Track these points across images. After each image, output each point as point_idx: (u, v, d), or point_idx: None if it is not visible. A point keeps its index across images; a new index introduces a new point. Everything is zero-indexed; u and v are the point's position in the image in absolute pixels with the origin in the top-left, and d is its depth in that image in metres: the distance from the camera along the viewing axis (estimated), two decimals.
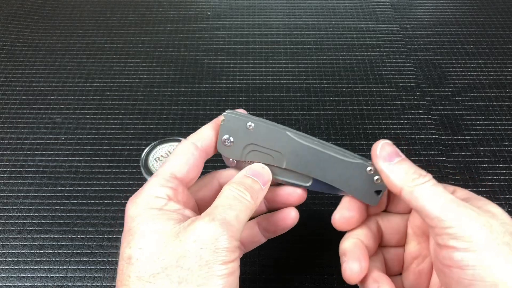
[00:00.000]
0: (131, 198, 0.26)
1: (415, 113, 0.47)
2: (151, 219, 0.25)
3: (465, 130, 0.45)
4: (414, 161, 0.42)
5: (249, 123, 0.28)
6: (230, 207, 0.25)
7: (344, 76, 0.51)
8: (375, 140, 0.44)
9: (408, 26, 0.57)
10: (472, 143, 0.44)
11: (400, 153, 0.28)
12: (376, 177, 0.29)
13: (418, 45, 0.54)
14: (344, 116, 0.46)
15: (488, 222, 0.23)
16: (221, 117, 0.29)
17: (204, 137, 0.29)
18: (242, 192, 0.26)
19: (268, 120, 0.29)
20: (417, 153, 0.43)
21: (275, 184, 0.30)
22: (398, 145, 0.44)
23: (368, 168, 0.29)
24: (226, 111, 0.29)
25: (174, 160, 0.27)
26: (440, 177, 0.41)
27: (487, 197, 0.39)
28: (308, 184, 0.29)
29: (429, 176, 0.26)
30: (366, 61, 0.52)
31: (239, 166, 0.30)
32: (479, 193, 0.40)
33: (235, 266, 0.24)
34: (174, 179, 0.27)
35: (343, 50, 0.54)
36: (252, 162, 0.29)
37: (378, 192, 0.29)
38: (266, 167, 0.29)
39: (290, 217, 0.30)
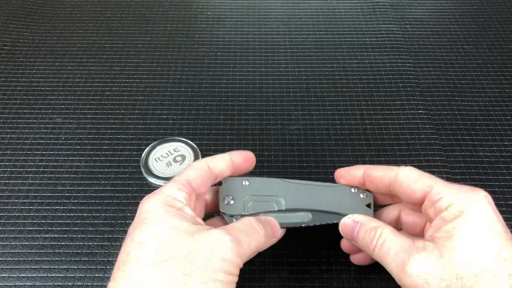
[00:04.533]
0: (147, 195, 0.28)
1: (415, 113, 0.47)
2: (168, 214, 0.26)
3: (465, 130, 0.45)
4: (414, 161, 0.42)
5: (244, 181, 0.32)
6: (246, 233, 0.28)
7: (344, 76, 0.51)
8: (375, 140, 0.44)
9: (408, 26, 0.57)
10: (472, 143, 0.44)
11: (355, 221, 0.31)
12: (361, 195, 0.33)
13: (418, 45, 0.55)
14: (344, 116, 0.46)
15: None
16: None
17: (218, 161, 0.31)
18: (259, 227, 0.29)
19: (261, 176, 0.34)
20: (417, 153, 0.43)
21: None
22: (398, 145, 0.44)
23: (352, 190, 0.33)
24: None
25: (190, 171, 0.30)
26: (440, 177, 0.41)
27: None
28: (308, 219, 0.32)
29: (382, 225, 0.29)
30: (366, 61, 0.52)
31: None
32: None
33: (235, 279, 0.26)
34: (190, 186, 0.29)
35: (343, 50, 0.54)
36: (255, 215, 0.31)
37: (369, 205, 0.33)
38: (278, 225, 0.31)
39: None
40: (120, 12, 0.59)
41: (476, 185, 0.40)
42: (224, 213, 0.32)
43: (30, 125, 0.45)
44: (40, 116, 0.46)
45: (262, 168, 0.42)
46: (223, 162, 0.32)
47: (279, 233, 0.31)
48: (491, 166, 0.42)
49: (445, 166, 0.42)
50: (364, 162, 0.42)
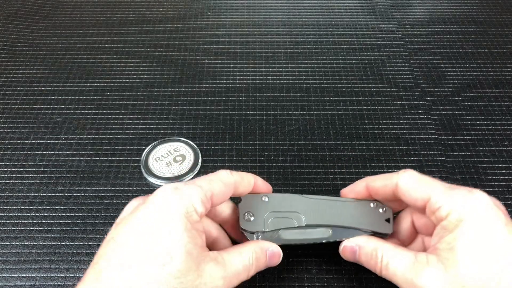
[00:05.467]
0: (169, 189, 0.28)
1: (415, 113, 0.47)
2: (186, 234, 0.26)
3: (464, 130, 0.45)
4: (413, 161, 0.42)
5: (263, 197, 0.33)
6: (238, 276, 0.29)
7: (344, 76, 0.51)
8: (375, 140, 0.44)
9: (407, 26, 0.57)
10: (471, 143, 0.44)
11: (353, 248, 0.32)
12: (380, 209, 0.33)
13: (417, 45, 0.55)
14: (344, 116, 0.47)
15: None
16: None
17: (244, 184, 0.31)
18: (252, 267, 0.30)
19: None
20: (416, 153, 0.43)
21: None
22: (398, 145, 0.44)
23: (371, 205, 0.33)
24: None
25: (217, 184, 0.30)
26: (440, 177, 0.41)
27: None
28: (329, 235, 0.33)
29: (381, 246, 0.31)
30: (366, 61, 0.52)
31: (263, 239, 0.32)
32: None
33: None
34: (210, 202, 0.29)
35: (343, 51, 0.54)
36: (275, 231, 0.32)
37: (388, 220, 0.33)
38: (281, 254, 0.32)
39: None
40: (120, 12, 0.59)
41: (476, 185, 0.40)
42: (245, 230, 0.32)
43: (30, 125, 0.45)
44: (40, 116, 0.46)
45: (262, 168, 0.42)
46: (248, 187, 0.32)
47: (275, 262, 0.32)
48: (491, 166, 0.42)
49: (445, 166, 0.42)
50: (364, 162, 0.42)
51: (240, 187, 0.31)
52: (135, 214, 0.27)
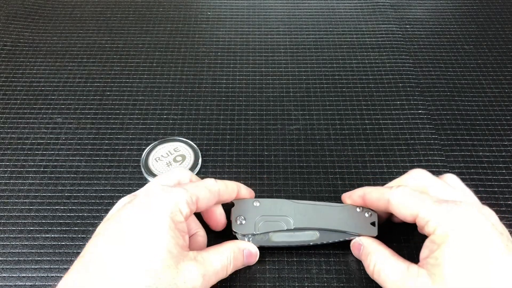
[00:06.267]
0: (158, 187, 0.29)
1: (414, 113, 0.47)
2: (169, 234, 0.28)
3: (464, 130, 0.45)
4: (413, 161, 0.42)
5: (254, 202, 0.35)
6: (217, 275, 0.30)
7: (344, 76, 0.51)
8: (375, 140, 0.44)
9: (407, 26, 0.57)
10: (471, 143, 0.44)
11: (360, 247, 0.34)
12: (366, 214, 0.35)
13: (417, 45, 0.55)
14: (344, 116, 0.47)
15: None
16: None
17: (228, 192, 0.33)
18: (230, 266, 0.31)
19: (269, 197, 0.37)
20: (416, 153, 0.43)
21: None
22: (398, 145, 0.44)
23: (357, 209, 0.35)
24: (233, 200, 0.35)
25: (203, 191, 0.31)
26: None
27: (486, 197, 0.40)
28: (316, 238, 0.34)
29: (378, 252, 0.32)
30: (366, 61, 0.52)
31: (254, 241, 0.34)
32: (478, 192, 0.40)
33: None
34: (195, 205, 0.30)
35: (343, 51, 0.54)
36: (265, 234, 0.34)
37: (373, 224, 0.34)
38: (257, 253, 0.34)
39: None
40: (121, 12, 0.59)
41: (475, 185, 0.41)
42: (236, 232, 0.34)
43: (30, 125, 0.45)
44: (40, 116, 0.46)
45: (262, 168, 0.42)
46: (232, 194, 0.34)
47: (252, 262, 0.34)
48: (491, 166, 0.42)
49: (445, 166, 0.42)
50: (364, 162, 0.42)
51: (224, 194, 0.33)
52: (123, 211, 0.29)
